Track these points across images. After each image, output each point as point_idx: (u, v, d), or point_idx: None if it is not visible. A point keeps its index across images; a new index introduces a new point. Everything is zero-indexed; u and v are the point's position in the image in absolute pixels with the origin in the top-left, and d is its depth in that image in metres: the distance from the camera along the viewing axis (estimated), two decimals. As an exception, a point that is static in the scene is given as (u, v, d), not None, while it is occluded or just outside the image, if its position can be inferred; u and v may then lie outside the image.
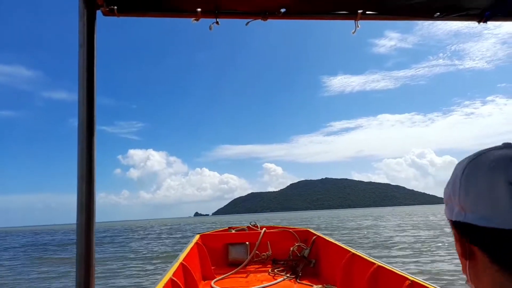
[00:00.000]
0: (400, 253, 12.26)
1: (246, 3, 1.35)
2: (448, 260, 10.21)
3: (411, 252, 12.22)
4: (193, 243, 4.23)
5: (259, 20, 1.40)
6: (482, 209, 0.57)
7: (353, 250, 3.42)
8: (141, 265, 12.56)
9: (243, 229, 5.28)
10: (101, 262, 13.50)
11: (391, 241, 16.09)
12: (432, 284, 2.21)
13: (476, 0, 1.39)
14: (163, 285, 2.51)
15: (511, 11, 1.45)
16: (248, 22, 1.41)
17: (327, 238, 4.28)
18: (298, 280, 3.84)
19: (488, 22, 1.47)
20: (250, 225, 5.41)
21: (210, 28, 1.38)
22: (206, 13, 1.34)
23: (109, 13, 1.31)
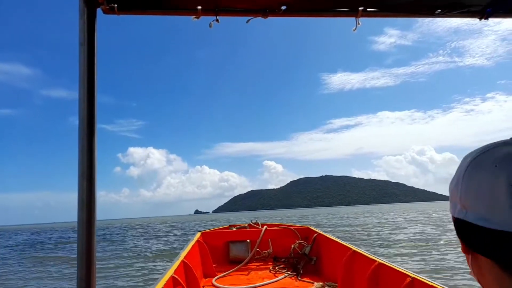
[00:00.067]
0: (406, 250, 12.21)
1: (247, 0, 1.34)
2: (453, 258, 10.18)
3: (415, 250, 12.16)
4: (194, 241, 4.24)
5: (260, 17, 1.39)
6: (482, 209, 0.56)
7: (354, 248, 3.42)
8: (140, 264, 12.48)
9: (244, 227, 5.28)
10: (101, 260, 13.46)
11: (393, 238, 16.07)
12: (433, 281, 2.22)
13: None
14: (164, 282, 2.52)
15: None
16: (248, 20, 1.40)
17: (328, 235, 4.28)
18: (299, 278, 3.85)
19: (489, 19, 1.46)
20: (251, 223, 5.41)
21: (210, 26, 1.36)
22: (206, 11, 1.33)
23: (109, 11, 1.30)
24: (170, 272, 2.76)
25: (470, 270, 0.64)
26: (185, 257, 3.38)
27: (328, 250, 4.10)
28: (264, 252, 4.67)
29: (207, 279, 3.98)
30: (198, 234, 4.64)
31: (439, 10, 1.42)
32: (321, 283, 3.53)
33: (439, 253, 11.24)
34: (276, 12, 1.37)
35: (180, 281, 2.81)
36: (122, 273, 10.63)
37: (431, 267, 9.15)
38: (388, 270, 2.73)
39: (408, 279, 2.37)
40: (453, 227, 0.65)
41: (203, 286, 3.69)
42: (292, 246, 4.51)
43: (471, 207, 0.58)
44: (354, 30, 1.45)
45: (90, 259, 1.22)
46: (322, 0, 1.38)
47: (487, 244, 0.56)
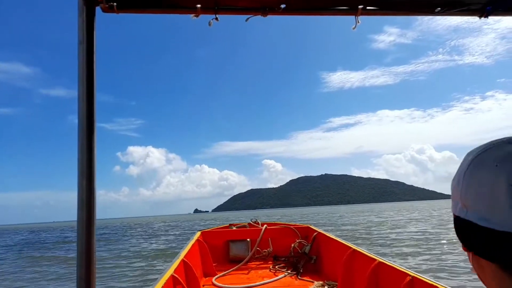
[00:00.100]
0: (408, 250, 12.17)
1: None
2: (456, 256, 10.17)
3: (418, 249, 12.11)
4: (194, 240, 4.24)
5: (259, 16, 1.39)
6: (482, 209, 0.56)
7: (354, 246, 3.42)
8: (139, 264, 12.42)
9: (244, 226, 5.29)
10: (99, 260, 13.40)
11: (394, 238, 16.05)
12: (432, 280, 2.22)
13: None
14: (164, 281, 2.52)
15: None
16: (248, 18, 1.39)
17: (328, 234, 4.29)
18: (299, 277, 3.85)
19: (489, 17, 1.46)
20: (251, 222, 5.42)
21: (210, 24, 1.36)
22: (205, 9, 1.33)
23: (108, 9, 1.30)
24: (170, 271, 2.77)
25: (471, 267, 0.64)
26: (185, 256, 3.38)
27: (328, 249, 4.11)
28: (264, 251, 4.67)
29: (207, 278, 3.98)
30: (198, 233, 4.64)
31: (439, 8, 1.41)
32: (321, 282, 3.53)
33: (439, 252, 11.21)
34: (275, 10, 1.36)
35: (180, 280, 2.81)
36: (120, 273, 10.59)
37: (434, 266, 9.14)
38: (388, 269, 2.73)
39: (408, 278, 2.37)
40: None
41: (203, 285, 3.69)
42: (292, 245, 4.52)
43: (472, 206, 0.58)
44: (353, 28, 1.44)
45: (90, 258, 1.22)
46: None
47: (487, 244, 0.56)
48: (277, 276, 3.85)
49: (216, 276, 3.95)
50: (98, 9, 1.29)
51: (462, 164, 0.63)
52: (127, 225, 65.97)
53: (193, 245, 4.04)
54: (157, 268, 10.95)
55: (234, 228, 5.15)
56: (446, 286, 2.07)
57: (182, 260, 3.28)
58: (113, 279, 9.74)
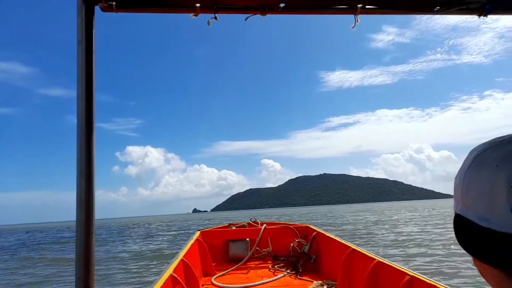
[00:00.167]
0: (409, 249, 12.15)
1: None
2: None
3: (419, 249, 12.08)
4: (194, 240, 4.24)
5: (258, 15, 1.38)
6: (482, 208, 0.55)
7: (353, 246, 3.42)
8: (136, 264, 12.35)
9: (243, 226, 5.28)
10: (97, 261, 13.30)
11: (394, 238, 16.04)
12: (431, 279, 2.22)
13: None
14: (163, 281, 2.51)
15: (511, 4, 1.43)
16: (247, 17, 1.39)
17: (327, 234, 4.29)
18: (298, 276, 3.85)
19: (488, 16, 1.46)
20: (251, 222, 5.42)
21: (209, 24, 1.36)
22: (205, 8, 1.33)
23: (107, 8, 1.29)
24: (169, 271, 2.76)
25: (472, 261, 0.63)
26: (184, 256, 3.38)
27: (327, 249, 4.11)
28: (264, 251, 4.67)
29: (206, 278, 3.98)
30: (198, 233, 4.64)
31: (438, 7, 1.41)
32: (320, 282, 3.53)
33: (444, 252, 11.17)
34: (274, 9, 1.36)
35: (180, 280, 2.81)
36: (118, 273, 10.56)
37: (434, 265, 9.14)
38: (387, 268, 2.73)
39: (407, 277, 2.37)
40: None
41: (203, 285, 3.69)
42: (292, 244, 4.52)
43: (472, 205, 0.57)
44: (353, 27, 1.44)
45: (89, 258, 1.22)
46: None
47: (485, 245, 0.55)
48: (276, 275, 3.85)
49: (216, 276, 3.95)
50: (97, 8, 1.29)
51: (464, 162, 0.62)
52: (125, 225, 65.73)
53: (192, 244, 4.03)
54: (152, 270, 10.86)
55: (234, 228, 5.15)
56: (445, 286, 2.08)
57: (182, 260, 3.28)
58: (111, 280, 9.72)
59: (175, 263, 3.10)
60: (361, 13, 1.40)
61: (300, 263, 4.14)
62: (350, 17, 1.42)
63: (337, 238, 3.95)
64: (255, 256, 4.61)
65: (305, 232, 4.74)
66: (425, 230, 18.92)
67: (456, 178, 0.64)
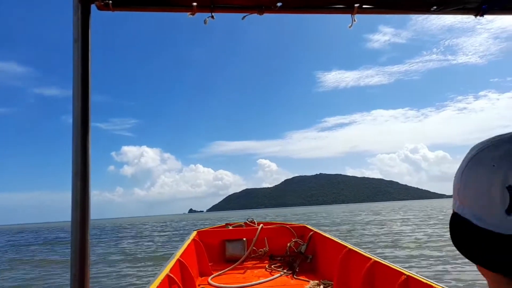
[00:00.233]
0: (408, 249, 12.18)
1: None
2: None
3: (417, 249, 12.10)
4: (190, 240, 4.23)
5: (255, 14, 1.38)
6: (477, 208, 0.55)
7: (349, 246, 3.43)
8: (130, 265, 12.22)
9: (240, 226, 5.28)
10: (92, 261, 13.06)
11: (392, 238, 16.09)
12: (427, 279, 2.23)
13: None
14: (159, 281, 2.50)
15: (507, 5, 1.44)
16: (244, 17, 1.38)
17: (323, 233, 4.30)
18: (295, 276, 3.86)
19: (485, 16, 1.46)
20: (247, 221, 5.41)
21: (205, 22, 1.35)
22: (201, 7, 1.32)
23: (104, 7, 1.28)
24: (165, 271, 2.75)
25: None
26: (180, 256, 3.37)
27: (324, 248, 4.12)
28: (260, 251, 4.66)
29: (203, 277, 3.97)
30: (194, 233, 4.63)
31: (435, 7, 1.41)
32: (316, 281, 3.54)
33: (440, 253, 11.20)
34: (271, 8, 1.36)
35: (176, 279, 2.79)
36: (110, 275, 10.46)
37: (430, 265, 9.18)
38: (383, 268, 2.74)
39: (403, 277, 2.38)
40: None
41: (199, 285, 3.68)
42: (288, 244, 4.52)
43: (468, 205, 0.57)
44: (349, 27, 1.44)
45: (84, 259, 1.21)
46: None
47: (480, 245, 0.55)
48: (273, 275, 3.85)
49: (212, 276, 3.94)
50: (93, 6, 1.28)
51: (463, 160, 0.62)
52: (120, 225, 65.26)
53: (189, 244, 4.02)
54: (143, 271, 10.77)
55: (230, 228, 5.15)
56: (441, 285, 2.09)
57: (178, 260, 3.27)
58: (105, 280, 9.66)
59: (172, 263, 3.09)
60: (358, 12, 1.40)
61: (297, 262, 4.15)
62: (347, 16, 1.42)
63: (334, 238, 3.96)
64: (251, 256, 4.61)
65: (301, 232, 4.75)
66: (419, 230, 19.02)
67: (455, 176, 0.63)
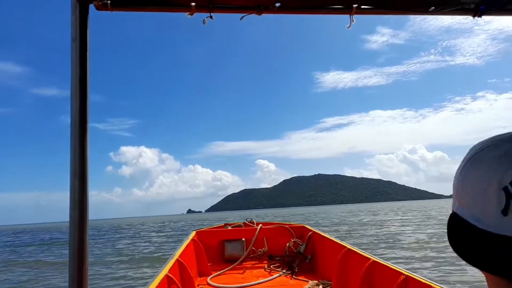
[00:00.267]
0: (407, 249, 12.18)
1: None
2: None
3: (416, 249, 12.10)
4: (189, 240, 4.23)
5: (254, 14, 1.38)
6: (475, 208, 0.55)
7: (348, 246, 3.43)
8: (127, 266, 12.15)
9: (239, 226, 5.28)
10: (89, 262, 12.93)
11: (392, 238, 16.10)
12: (426, 279, 2.24)
13: None
14: (158, 281, 2.50)
15: (505, 5, 1.44)
16: (242, 17, 1.38)
17: (322, 234, 4.30)
18: (294, 276, 3.86)
19: (483, 17, 1.47)
20: (246, 222, 5.42)
21: (204, 22, 1.35)
22: (200, 7, 1.32)
23: (102, 7, 1.28)
24: (164, 271, 2.75)
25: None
26: (179, 256, 3.37)
27: (323, 248, 4.12)
28: (259, 251, 4.66)
29: (202, 278, 3.97)
30: (193, 233, 4.63)
31: (433, 8, 1.41)
32: (315, 281, 3.54)
33: (437, 254, 11.21)
34: (270, 9, 1.36)
35: (175, 280, 2.79)
36: (106, 276, 10.43)
37: (429, 265, 9.18)
38: (382, 268, 2.74)
39: (402, 277, 2.39)
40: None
41: (198, 285, 3.68)
42: (287, 244, 4.52)
43: (466, 205, 0.57)
44: (348, 27, 1.44)
45: (82, 259, 1.21)
46: None
47: (476, 245, 0.54)
48: (272, 275, 3.86)
49: (211, 276, 3.94)
50: (91, 6, 1.28)
51: (463, 160, 0.61)
52: (118, 226, 64.94)
53: (188, 244, 4.02)
54: (146, 271, 10.75)
55: (229, 228, 5.15)
56: (440, 285, 2.09)
57: (177, 260, 3.26)
58: (104, 281, 9.64)
59: (171, 263, 3.09)
60: (356, 13, 1.40)
61: (296, 263, 4.15)
62: (345, 17, 1.42)
63: (333, 238, 3.97)
64: (251, 256, 4.61)
65: (300, 232, 4.75)
66: (418, 230, 19.05)
67: (454, 175, 0.63)
